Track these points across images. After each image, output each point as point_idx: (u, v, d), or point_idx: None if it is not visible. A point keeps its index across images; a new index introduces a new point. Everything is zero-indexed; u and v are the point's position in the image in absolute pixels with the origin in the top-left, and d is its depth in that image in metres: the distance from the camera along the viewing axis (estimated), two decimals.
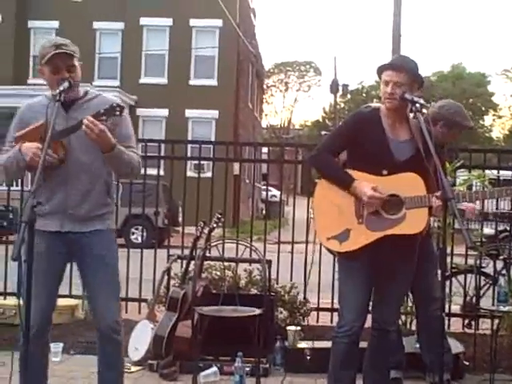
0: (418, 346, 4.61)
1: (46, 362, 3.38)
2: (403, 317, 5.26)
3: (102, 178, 3.25)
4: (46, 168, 2.96)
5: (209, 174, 5.96)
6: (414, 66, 3.43)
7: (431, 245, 4.27)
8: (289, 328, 4.92)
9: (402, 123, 3.45)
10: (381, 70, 3.43)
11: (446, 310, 5.54)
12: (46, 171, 3.05)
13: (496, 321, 4.50)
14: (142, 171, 3.73)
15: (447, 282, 5.47)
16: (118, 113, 3.03)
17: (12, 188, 6.39)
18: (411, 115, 3.45)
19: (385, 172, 3.37)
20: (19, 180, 5.86)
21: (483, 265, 5.78)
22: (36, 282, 3.05)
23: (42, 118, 3.08)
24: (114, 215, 3.39)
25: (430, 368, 4.28)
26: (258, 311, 4.00)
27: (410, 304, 5.24)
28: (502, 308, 4.44)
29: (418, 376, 4.48)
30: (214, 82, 23.07)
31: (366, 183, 3.33)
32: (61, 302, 5.13)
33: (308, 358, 4.70)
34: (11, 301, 5.72)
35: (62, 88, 3.06)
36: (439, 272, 3.87)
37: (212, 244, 4.72)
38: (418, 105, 3.30)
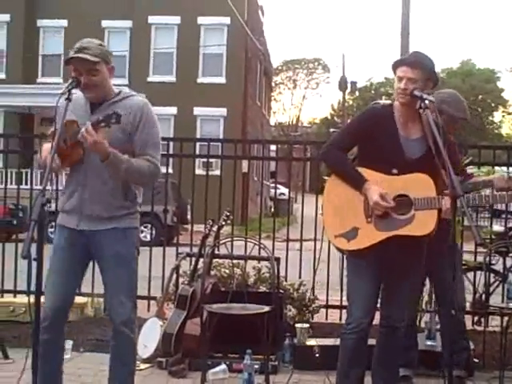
0: (428, 343, 4.60)
1: (61, 356, 3.39)
2: None
3: (118, 180, 3.24)
4: (68, 165, 3.19)
5: (217, 172, 5.95)
6: (429, 62, 3.41)
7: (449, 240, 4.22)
8: (297, 325, 4.91)
9: (414, 121, 3.43)
10: (395, 66, 3.42)
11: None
12: (71, 167, 3.26)
13: (505, 318, 4.47)
14: None
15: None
16: (114, 121, 3.03)
17: (22, 186, 6.42)
18: (421, 111, 3.43)
19: (395, 171, 3.35)
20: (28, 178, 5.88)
21: (493, 262, 5.76)
22: (54, 275, 3.22)
23: (72, 113, 3.16)
24: (135, 215, 3.36)
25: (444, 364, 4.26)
26: (266, 309, 4.00)
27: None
28: (511, 305, 4.42)
29: (429, 374, 4.47)
30: (222, 80, 23.08)
31: (375, 188, 3.30)
32: None
33: (317, 355, 4.69)
34: (21, 299, 5.75)
35: (70, 87, 3.11)
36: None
37: (221, 242, 4.73)
38: (426, 101, 3.28)
